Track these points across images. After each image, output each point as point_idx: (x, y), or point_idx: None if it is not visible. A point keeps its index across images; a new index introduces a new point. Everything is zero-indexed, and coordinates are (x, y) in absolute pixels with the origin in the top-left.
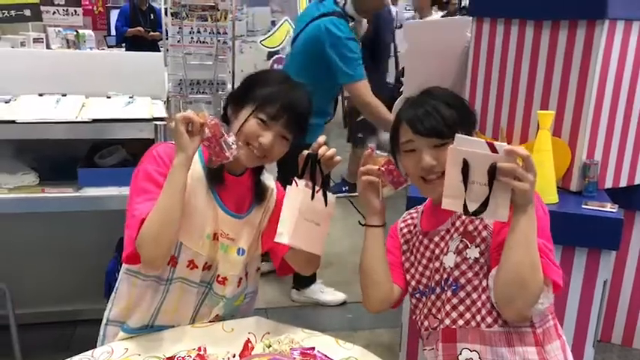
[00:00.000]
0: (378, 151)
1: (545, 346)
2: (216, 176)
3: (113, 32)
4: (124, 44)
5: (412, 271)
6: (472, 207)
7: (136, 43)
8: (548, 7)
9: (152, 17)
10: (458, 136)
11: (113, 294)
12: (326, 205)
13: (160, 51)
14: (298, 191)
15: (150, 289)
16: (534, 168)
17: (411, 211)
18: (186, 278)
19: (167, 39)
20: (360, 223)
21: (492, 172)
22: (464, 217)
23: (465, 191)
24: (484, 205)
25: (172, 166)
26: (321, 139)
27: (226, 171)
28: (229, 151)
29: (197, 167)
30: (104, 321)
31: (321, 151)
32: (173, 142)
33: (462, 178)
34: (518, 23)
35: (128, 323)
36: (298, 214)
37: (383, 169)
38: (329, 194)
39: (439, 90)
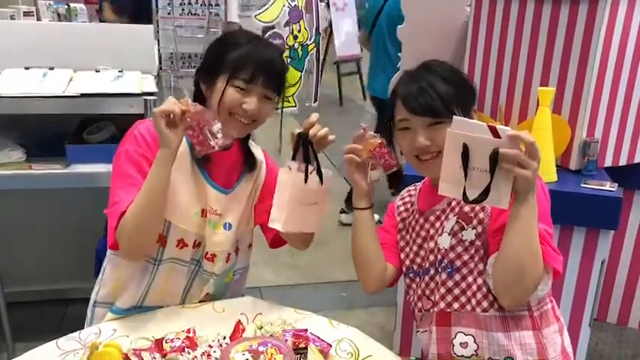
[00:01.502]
0: (370, 132)
1: (542, 330)
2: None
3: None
4: None
5: (407, 250)
6: (472, 194)
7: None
8: None
9: None
10: (456, 118)
11: (100, 275)
12: (322, 184)
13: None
14: (291, 175)
15: (138, 269)
16: (538, 155)
17: (410, 188)
18: (176, 258)
19: (157, 11)
20: (342, 210)
21: (494, 158)
22: None
23: (465, 177)
24: (485, 193)
25: (156, 160)
26: (314, 117)
27: None
28: (214, 140)
29: (183, 144)
30: (91, 302)
31: (312, 131)
32: None
33: (461, 164)
34: None
35: (117, 304)
36: (291, 199)
37: (375, 152)
38: (324, 170)
39: (437, 64)
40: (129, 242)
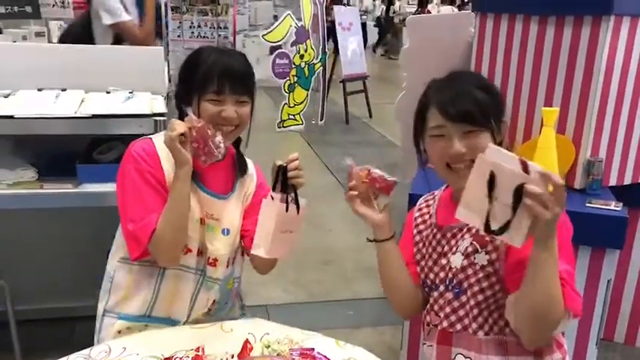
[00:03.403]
0: (357, 167)
1: (543, 357)
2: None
3: None
4: None
5: (422, 263)
6: (494, 225)
7: None
8: (553, 2)
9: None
10: (492, 146)
11: (109, 284)
12: (298, 213)
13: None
14: (274, 205)
15: (145, 274)
16: (564, 200)
17: (428, 197)
18: (181, 264)
19: (167, 34)
20: (369, 240)
21: (519, 192)
22: None
23: (489, 206)
24: (505, 227)
25: (177, 179)
26: (294, 155)
27: None
28: (217, 149)
29: None
30: (100, 312)
31: (290, 165)
32: (148, 136)
33: (485, 192)
34: (522, 19)
35: (126, 311)
36: (274, 229)
37: (366, 180)
38: (301, 199)
39: (468, 72)
40: (167, 252)
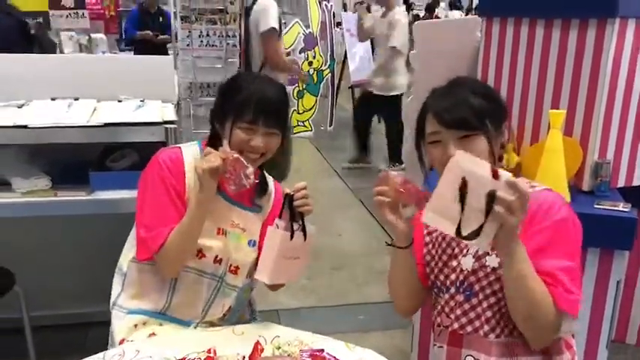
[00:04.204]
0: (393, 172)
1: (552, 358)
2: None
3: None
4: (132, 47)
5: (432, 264)
6: (465, 230)
7: (144, 47)
8: (558, 6)
9: (161, 20)
10: (460, 152)
11: (121, 278)
12: (305, 240)
13: (168, 54)
14: (277, 234)
15: (159, 275)
16: (527, 206)
17: None
18: (197, 268)
19: (177, 42)
20: (387, 244)
21: (490, 199)
22: None
23: (460, 212)
24: (477, 232)
25: (196, 202)
26: (301, 184)
27: None
28: (247, 180)
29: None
30: (112, 304)
31: (297, 195)
32: (177, 145)
33: (455, 197)
34: (528, 23)
35: (140, 306)
36: (277, 255)
37: (402, 190)
38: (308, 227)
39: (468, 79)
40: (169, 266)
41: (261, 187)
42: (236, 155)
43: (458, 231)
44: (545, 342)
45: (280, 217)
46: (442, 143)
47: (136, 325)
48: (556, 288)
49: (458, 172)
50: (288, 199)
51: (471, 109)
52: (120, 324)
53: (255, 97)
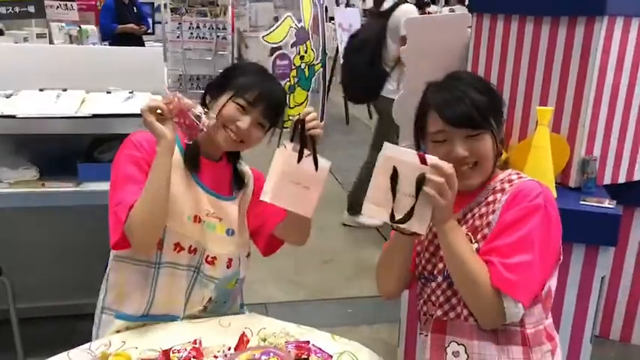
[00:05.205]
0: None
1: (532, 347)
2: (192, 161)
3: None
4: (110, 41)
5: (421, 255)
6: (398, 215)
7: (122, 38)
8: (547, 3)
9: (135, 11)
10: (387, 144)
11: (104, 280)
12: (317, 170)
13: (144, 45)
14: (283, 153)
15: (140, 274)
16: (455, 187)
17: None
18: (174, 262)
19: (167, 34)
20: (392, 227)
21: (420, 183)
22: (475, 210)
23: (394, 200)
24: (409, 215)
25: (157, 154)
26: (309, 108)
27: (203, 156)
28: (199, 121)
29: (175, 152)
30: (99, 308)
31: (307, 117)
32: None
33: (389, 186)
34: (518, 19)
35: (124, 311)
36: (283, 175)
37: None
38: (322, 160)
39: (466, 73)
40: (140, 232)
41: (237, 180)
42: (179, 95)
43: (392, 216)
44: (492, 323)
45: (292, 142)
46: (448, 142)
47: (118, 331)
48: (494, 266)
49: (389, 163)
50: (300, 124)
51: (474, 105)
52: (106, 328)
53: (262, 84)
